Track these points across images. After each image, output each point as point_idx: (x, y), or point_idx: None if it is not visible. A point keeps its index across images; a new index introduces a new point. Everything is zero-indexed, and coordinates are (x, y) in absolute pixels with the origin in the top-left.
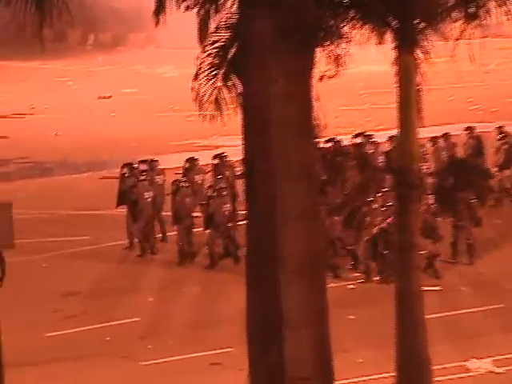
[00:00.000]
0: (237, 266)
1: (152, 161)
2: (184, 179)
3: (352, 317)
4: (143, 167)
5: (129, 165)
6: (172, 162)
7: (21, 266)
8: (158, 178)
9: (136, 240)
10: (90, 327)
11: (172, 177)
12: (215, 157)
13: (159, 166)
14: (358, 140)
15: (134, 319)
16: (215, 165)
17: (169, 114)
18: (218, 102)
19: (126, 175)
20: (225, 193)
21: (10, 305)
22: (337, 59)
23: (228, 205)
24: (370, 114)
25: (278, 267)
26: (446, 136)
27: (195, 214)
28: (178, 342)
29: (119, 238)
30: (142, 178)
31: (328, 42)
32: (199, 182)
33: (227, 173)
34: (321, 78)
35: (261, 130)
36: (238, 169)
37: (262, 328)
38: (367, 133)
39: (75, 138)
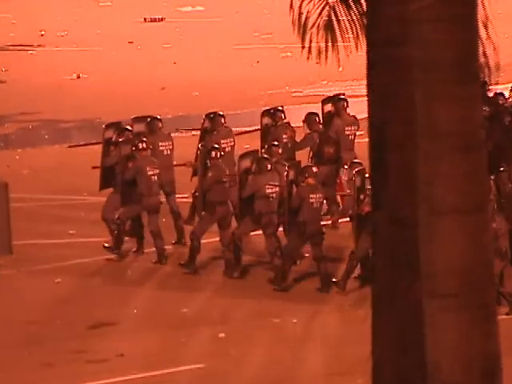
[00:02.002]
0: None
1: (153, 119)
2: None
3: None
4: (139, 128)
5: (117, 125)
6: (252, 121)
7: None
8: (163, 146)
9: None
10: (131, 377)
11: (244, 143)
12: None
13: (160, 126)
14: None
15: (196, 365)
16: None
17: (252, 45)
18: (330, 29)
19: (114, 141)
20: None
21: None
22: None
23: (319, 195)
24: None
25: (422, 287)
26: None
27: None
28: None
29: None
30: (141, 145)
31: None
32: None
33: (285, 136)
34: None
35: (394, 76)
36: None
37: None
38: None
39: (106, 83)
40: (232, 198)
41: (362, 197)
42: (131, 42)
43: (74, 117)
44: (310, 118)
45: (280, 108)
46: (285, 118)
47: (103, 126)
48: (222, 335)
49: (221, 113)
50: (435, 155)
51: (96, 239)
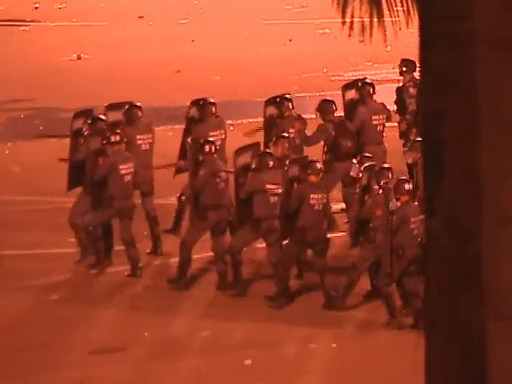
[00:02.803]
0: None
1: (132, 106)
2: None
3: None
4: (115, 117)
5: (88, 114)
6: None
7: None
8: (142, 139)
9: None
10: None
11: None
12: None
13: (140, 115)
14: None
15: None
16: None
17: (283, 21)
18: (375, 0)
19: (85, 133)
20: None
21: None
22: None
23: (321, 195)
24: None
25: (486, 307)
26: None
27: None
28: None
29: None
30: (114, 137)
31: None
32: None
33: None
34: None
35: (454, 56)
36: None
37: None
38: None
39: (111, 66)
40: (225, 200)
41: (366, 197)
42: (141, 17)
43: (73, 105)
44: (324, 106)
45: (287, 96)
46: (293, 107)
47: (72, 114)
48: (248, 362)
49: (211, 100)
50: (504, 150)
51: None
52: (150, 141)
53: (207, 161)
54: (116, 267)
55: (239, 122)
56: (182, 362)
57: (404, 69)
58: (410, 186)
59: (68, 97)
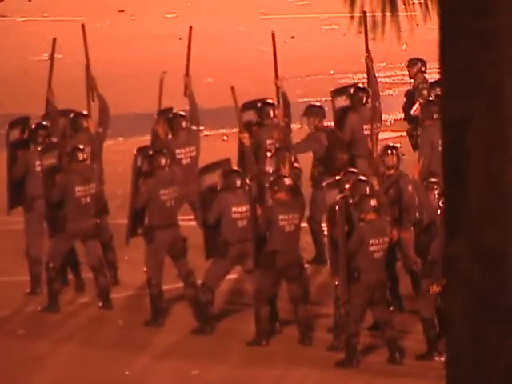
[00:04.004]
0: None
1: (78, 114)
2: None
3: None
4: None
5: (24, 122)
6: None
7: None
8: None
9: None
10: None
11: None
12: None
13: (84, 123)
14: None
15: None
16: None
17: (284, 15)
18: None
19: (30, 145)
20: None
21: None
22: None
23: (292, 215)
24: None
25: None
26: None
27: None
28: None
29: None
30: (82, 155)
31: None
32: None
33: None
34: None
35: (478, 55)
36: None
37: None
38: None
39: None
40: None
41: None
42: (122, 11)
43: (44, 111)
44: (313, 111)
45: (269, 101)
46: (274, 115)
47: (6, 125)
48: None
49: (182, 113)
50: None
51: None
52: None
53: (156, 175)
54: (88, 297)
55: (234, 131)
56: None
57: (414, 69)
58: (375, 202)
59: (38, 102)
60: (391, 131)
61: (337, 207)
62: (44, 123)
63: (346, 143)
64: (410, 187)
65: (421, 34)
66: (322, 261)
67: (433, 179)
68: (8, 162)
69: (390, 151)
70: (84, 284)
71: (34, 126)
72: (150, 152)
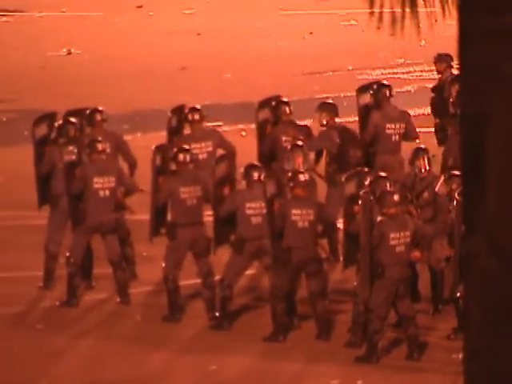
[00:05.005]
0: None
1: (93, 110)
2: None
3: None
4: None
5: (50, 118)
6: (305, 113)
7: None
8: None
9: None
10: None
11: None
12: None
13: (99, 119)
14: None
15: None
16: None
17: (303, 11)
18: None
19: (57, 140)
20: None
21: None
22: None
23: (307, 211)
24: None
25: None
26: None
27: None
28: None
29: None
30: (102, 146)
31: None
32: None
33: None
34: None
35: (498, 52)
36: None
37: None
38: None
39: (105, 62)
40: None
41: (356, 208)
42: (140, 7)
43: (62, 106)
44: (326, 109)
45: (284, 99)
46: (290, 112)
47: (33, 120)
48: None
49: (197, 107)
50: None
51: (104, 270)
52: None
53: (178, 172)
54: (106, 293)
55: (252, 126)
56: None
57: (443, 64)
58: (398, 197)
59: (56, 97)
60: None
61: (360, 203)
62: (72, 119)
63: (359, 141)
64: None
65: (439, 30)
66: (335, 258)
67: (455, 172)
68: (35, 159)
69: (421, 155)
70: (92, 282)
71: (61, 122)
72: (174, 150)
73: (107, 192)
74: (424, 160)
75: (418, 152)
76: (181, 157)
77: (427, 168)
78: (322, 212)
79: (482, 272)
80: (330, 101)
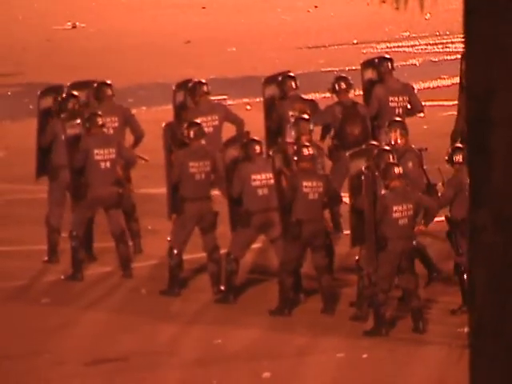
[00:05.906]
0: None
1: (101, 83)
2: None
3: None
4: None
5: (56, 90)
6: (311, 87)
7: None
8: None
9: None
10: None
11: None
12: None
13: (110, 94)
14: None
15: None
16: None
17: None
18: None
19: (57, 113)
20: None
21: None
22: None
23: (316, 183)
24: None
25: None
26: None
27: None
28: None
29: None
30: (92, 118)
31: None
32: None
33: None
34: None
35: (504, 25)
36: None
37: None
38: None
39: (110, 35)
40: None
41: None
42: None
43: (67, 80)
44: (338, 83)
45: (290, 74)
46: (297, 87)
47: (38, 92)
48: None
49: (202, 80)
50: None
51: (97, 244)
52: (116, 124)
53: (191, 147)
54: (111, 266)
55: (258, 100)
56: (191, 372)
57: None
58: (400, 170)
59: (61, 71)
60: None
61: (363, 177)
62: (74, 93)
63: (361, 118)
64: (410, 163)
65: (444, 3)
66: (337, 231)
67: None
68: (38, 130)
69: (394, 127)
70: (94, 254)
71: (64, 96)
72: (184, 125)
73: (108, 164)
74: (396, 132)
75: (392, 124)
76: (191, 131)
77: (398, 141)
78: (329, 185)
79: (489, 245)
80: (344, 75)
